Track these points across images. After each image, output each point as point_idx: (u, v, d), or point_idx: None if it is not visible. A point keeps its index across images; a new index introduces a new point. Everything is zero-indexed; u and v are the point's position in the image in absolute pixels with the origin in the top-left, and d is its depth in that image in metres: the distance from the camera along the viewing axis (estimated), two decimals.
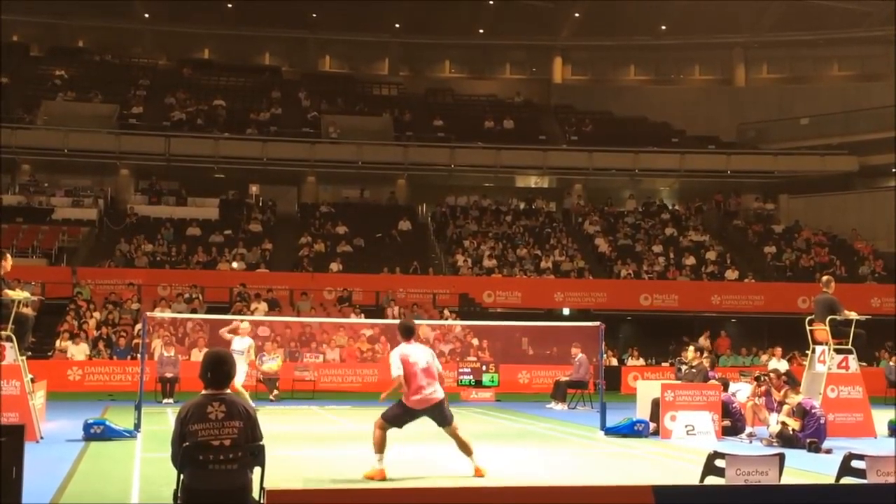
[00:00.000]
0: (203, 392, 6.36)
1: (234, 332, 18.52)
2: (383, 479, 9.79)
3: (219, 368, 6.41)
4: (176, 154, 36.81)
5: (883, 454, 8.98)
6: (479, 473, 10.10)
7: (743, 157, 40.84)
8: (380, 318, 27.50)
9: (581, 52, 48.54)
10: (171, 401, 20.35)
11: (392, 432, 10.15)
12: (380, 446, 9.98)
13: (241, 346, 18.10)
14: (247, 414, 6.31)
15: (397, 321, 26.53)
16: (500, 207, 38.79)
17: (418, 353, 10.26)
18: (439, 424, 10.28)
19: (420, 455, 11.72)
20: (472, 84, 48.44)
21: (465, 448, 10.25)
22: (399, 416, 10.15)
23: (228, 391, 6.43)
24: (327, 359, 25.79)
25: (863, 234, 37.57)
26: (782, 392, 14.46)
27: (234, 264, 31.61)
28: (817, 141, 41.78)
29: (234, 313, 26.47)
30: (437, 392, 10.13)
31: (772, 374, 15.44)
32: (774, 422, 14.39)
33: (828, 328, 15.86)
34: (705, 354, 17.68)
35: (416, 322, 25.21)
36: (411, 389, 10.05)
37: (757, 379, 15.74)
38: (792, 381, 16.74)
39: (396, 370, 10.08)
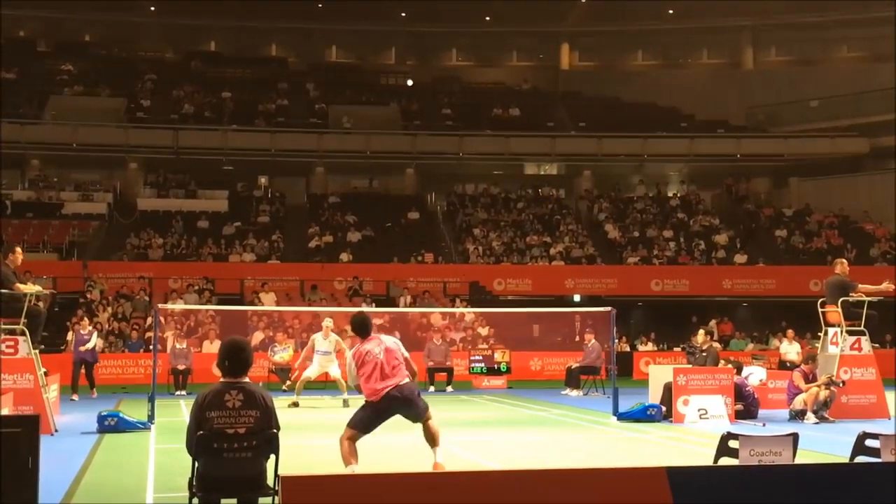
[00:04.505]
0: (222, 380, 6.36)
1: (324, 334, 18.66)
2: None
3: (237, 356, 6.39)
4: (184, 147, 36.80)
5: None
6: (437, 468, 8.76)
7: (752, 140, 40.62)
8: (390, 307, 27.50)
9: (588, 39, 48.29)
10: (183, 392, 20.50)
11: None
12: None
13: (327, 346, 18.69)
14: (265, 404, 6.30)
15: (410, 310, 26.14)
16: (510, 195, 38.72)
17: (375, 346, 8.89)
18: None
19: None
20: (479, 72, 48.29)
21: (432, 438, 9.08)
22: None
23: (247, 380, 6.41)
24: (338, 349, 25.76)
25: (874, 215, 37.37)
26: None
27: (245, 256, 31.65)
28: (827, 123, 41.47)
29: (249, 304, 26.66)
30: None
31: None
32: (800, 403, 14.76)
33: (840, 310, 15.82)
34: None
35: (428, 311, 24.91)
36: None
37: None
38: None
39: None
